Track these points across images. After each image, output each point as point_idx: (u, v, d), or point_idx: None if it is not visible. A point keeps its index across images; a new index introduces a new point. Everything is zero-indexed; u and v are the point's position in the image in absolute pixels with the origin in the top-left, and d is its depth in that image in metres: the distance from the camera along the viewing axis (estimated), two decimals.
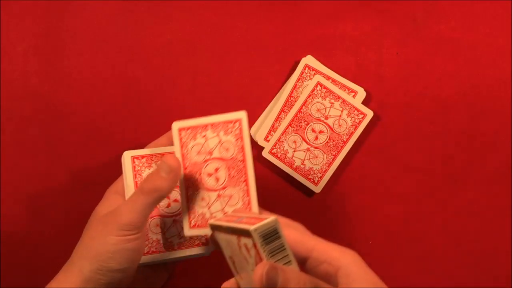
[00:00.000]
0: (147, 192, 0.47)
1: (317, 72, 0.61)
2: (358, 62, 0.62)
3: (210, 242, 0.51)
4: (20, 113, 0.62)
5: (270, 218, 0.39)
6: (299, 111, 0.60)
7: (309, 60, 0.61)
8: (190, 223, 0.50)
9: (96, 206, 0.52)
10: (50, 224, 0.61)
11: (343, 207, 0.61)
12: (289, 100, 0.61)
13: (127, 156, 0.53)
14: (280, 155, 0.60)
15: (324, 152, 0.60)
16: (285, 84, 0.62)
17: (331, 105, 0.60)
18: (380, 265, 0.61)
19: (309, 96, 0.60)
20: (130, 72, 0.62)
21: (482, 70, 0.61)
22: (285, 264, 0.39)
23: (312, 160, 0.60)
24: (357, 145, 0.61)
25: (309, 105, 0.60)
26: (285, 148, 0.60)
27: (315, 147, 0.60)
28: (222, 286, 0.44)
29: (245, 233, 0.39)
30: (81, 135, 0.61)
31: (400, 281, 0.61)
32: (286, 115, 0.60)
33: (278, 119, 0.61)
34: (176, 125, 0.50)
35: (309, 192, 0.61)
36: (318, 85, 0.60)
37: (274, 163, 0.60)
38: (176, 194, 0.54)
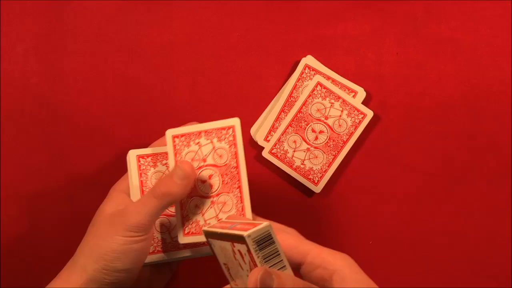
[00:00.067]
0: (159, 196, 0.46)
1: (317, 72, 0.61)
2: (358, 62, 0.62)
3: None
4: (20, 113, 0.62)
5: (263, 223, 0.39)
6: (299, 111, 0.60)
7: (309, 60, 0.61)
8: (184, 230, 0.50)
9: (99, 205, 0.51)
10: (50, 224, 0.61)
11: (343, 207, 0.61)
12: (289, 100, 0.61)
13: (132, 155, 0.53)
14: (280, 155, 0.60)
15: (324, 152, 0.60)
16: (285, 84, 0.62)
17: (331, 105, 0.60)
18: (380, 265, 0.61)
19: (309, 96, 0.60)
20: (130, 72, 0.62)
21: (482, 70, 0.61)
22: (279, 269, 0.39)
23: (312, 160, 0.60)
24: (357, 145, 0.61)
25: (309, 105, 0.60)
26: (285, 148, 0.60)
27: (315, 147, 0.60)
28: None
29: (239, 239, 0.39)
30: (81, 135, 0.61)
31: (400, 281, 0.61)
32: (286, 115, 0.60)
33: (278, 119, 0.61)
34: (169, 133, 0.50)
35: (309, 192, 0.61)
36: (318, 85, 0.60)
37: (274, 163, 0.60)
38: None
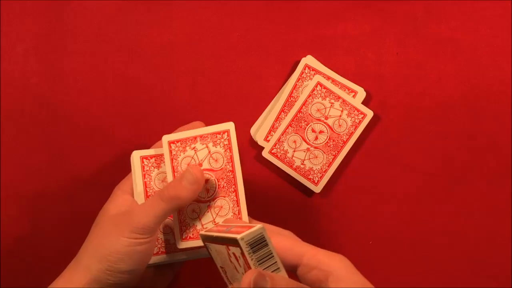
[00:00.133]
0: (167, 199, 0.46)
1: (317, 72, 0.61)
2: (358, 62, 0.62)
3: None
4: (20, 113, 0.62)
5: (256, 226, 0.39)
6: (299, 111, 0.60)
7: (309, 60, 0.61)
8: (182, 235, 0.50)
9: (100, 205, 0.51)
10: (50, 224, 0.61)
11: (343, 207, 0.61)
12: (289, 100, 0.61)
13: (136, 156, 0.53)
14: (280, 155, 0.60)
15: (324, 152, 0.60)
16: (285, 84, 0.62)
17: (331, 105, 0.60)
18: (380, 265, 0.61)
19: (309, 96, 0.60)
20: (130, 72, 0.62)
21: (482, 70, 0.61)
22: (273, 271, 0.39)
23: (312, 160, 0.60)
24: (357, 145, 0.61)
25: (309, 105, 0.60)
26: (285, 148, 0.60)
27: (315, 147, 0.60)
28: None
29: (233, 242, 0.39)
30: (81, 135, 0.61)
31: (400, 281, 0.61)
32: (286, 115, 0.60)
33: (278, 119, 0.61)
34: (166, 138, 0.50)
35: (309, 192, 0.61)
36: (318, 85, 0.60)
37: (274, 163, 0.60)
38: None
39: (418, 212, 0.61)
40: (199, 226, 0.50)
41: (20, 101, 0.62)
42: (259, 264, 0.39)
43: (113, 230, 0.47)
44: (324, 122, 0.60)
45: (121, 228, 0.46)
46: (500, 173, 0.61)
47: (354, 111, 0.60)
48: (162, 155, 0.53)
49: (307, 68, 0.61)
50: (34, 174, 0.61)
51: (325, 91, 0.60)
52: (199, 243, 0.49)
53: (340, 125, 0.60)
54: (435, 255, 0.61)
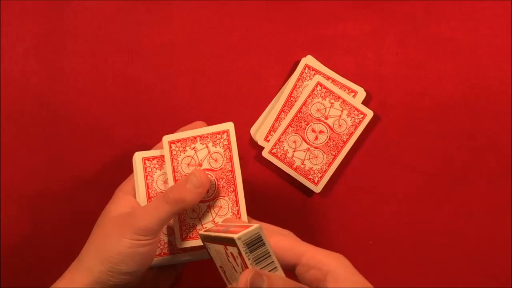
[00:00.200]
0: (171, 202, 0.47)
1: (317, 72, 0.61)
2: (358, 62, 0.62)
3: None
4: (20, 113, 0.62)
5: (253, 225, 0.39)
6: (299, 111, 0.60)
7: (309, 60, 0.61)
8: (182, 235, 0.50)
9: (100, 205, 0.51)
10: (50, 224, 0.61)
11: (343, 207, 0.61)
12: (289, 100, 0.61)
13: (138, 158, 0.52)
14: (280, 155, 0.60)
15: (324, 152, 0.60)
16: (285, 84, 0.62)
17: (331, 105, 0.60)
18: (380, 265, 0.61)
19: (309, 96, 0.60)
20: (130, 72, 0.62)
21: (482, 70, 0.61)
22: (270, 270, 0.39)
23: (312, 160, 0.60)
24: (357, 145, 0.61)
25: (309, 105, 0.60)
26: (285, 148, 0.60)
27: (315, 147, 0.60)
28: None
29: (230, 241, 0.39)
30: (81, 135, 0.61)
31: (400, 281, 0.61)
32: (286, 115, 0.60)
33: (278, 119, 0.61)
34: (166, 139, 0.50)
35: (309, 192, 0.61)
36: (318, 85, 0.60)
37: (274, 163, 0.60)
38: None
39: (418, 212, 0.61)
40: (198, 226, 0.50)
41: (20, 101, 0.62)
42: (256, 264, 0.39)
43: (115, 231, 0.47)
44: (324, 122, 0.60)
45: (124, 230, 0.46)
46: (500, 173, 0.61)
47: (354, 111, 0.60)
48: (164, 156, 0.53)
49: (307, 68, 0.61)
50: (34, 174, 0.61)
51: (325, 91, 0.60)
52: (198, 242, 0.49)
53: (340, 125, 0.60)
54: (435, 255, 0.61)
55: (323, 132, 0.60)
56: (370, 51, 0.62)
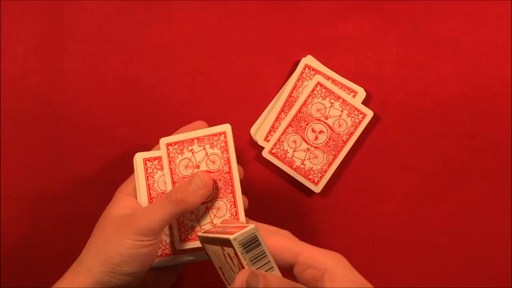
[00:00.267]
0: (174, 202, 0.46)
1: (317, 72, 0.61)
2: (358, 62, 0.62)
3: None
4: (20, 113, 0.62)
5: (249, 226, 0.39)
6: (299, 111, 0.60)
7: (309, 60, 0.61)
8: (180, 237, 0.50)
9: (100, 205, 0.51)
10: (50, 224, 0.61)
11: (343, 207, 0.61)
12: (289, 100, 0.61)
13: (139, 158, 0.52)
14: (280, 155, 0.60)
15: (324, 152, 0.60)
16: (285, 84, 0.62)
17: (331, 105, 0.60)
18: (380, 265, 0.61)
19: (309, 96, 0.60)
20: (130, 72, 0.62)
21: (482, 70, 0.61)
22: (267, 270, 0.39)
23: (312, 160, 0.60)
24: (357, 145, 0.61)
25: (309, 105, 0.60)
26: (285, 148, 0.60)
27: (315, 147, 0.60)
28: None
29: (227, 242, 0.39)
30: (81, 135, 0.61)
31: (400, 281, 0.61)
32: (286, 115, 0.60)
33: (278, 119, 0.61)
34: (163, 141, 0.51)
35: (309, 192, 0.61)
36: (318, 85, 0.60)
37: (274, 163, 0.60)
38: None
39: (418, 212, 0.61)
40: (197, 228, 0.51)
41: (20, 101, 0.62)
42: (252, 264, 0.39)
43: (116, 232, 0.47)
44: (324, 122, 0.60)
45: (125, 230, 0.46)
46: (500, 173, 0.61)
47: (354, 111, 0.60)
48: None
49: (307, 68, 0.61)
50: (34, 174, 0.61)
51: (325, 91, 0.60)
52: (197, 244, 0.50)
53: (340, 125, 0.60)
54: (435, 255, 0.61)
55: (323, 132, 0.60)
56: (370, 51, 0.62)
